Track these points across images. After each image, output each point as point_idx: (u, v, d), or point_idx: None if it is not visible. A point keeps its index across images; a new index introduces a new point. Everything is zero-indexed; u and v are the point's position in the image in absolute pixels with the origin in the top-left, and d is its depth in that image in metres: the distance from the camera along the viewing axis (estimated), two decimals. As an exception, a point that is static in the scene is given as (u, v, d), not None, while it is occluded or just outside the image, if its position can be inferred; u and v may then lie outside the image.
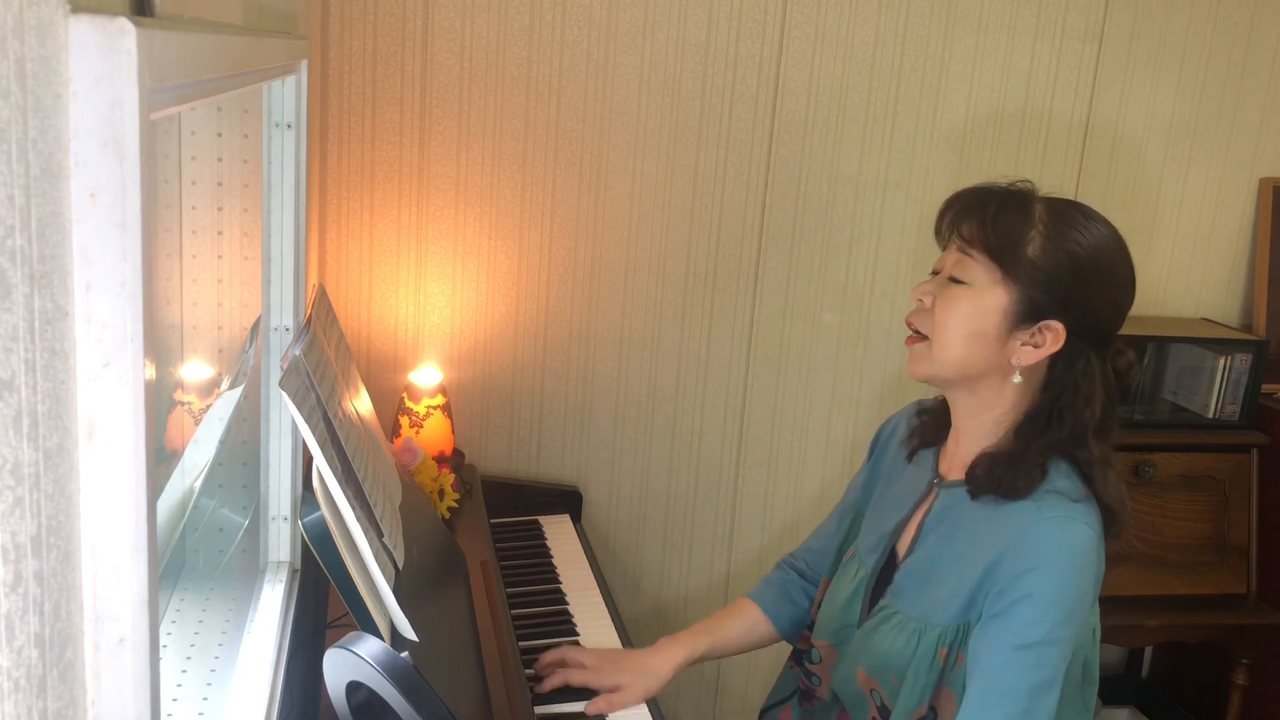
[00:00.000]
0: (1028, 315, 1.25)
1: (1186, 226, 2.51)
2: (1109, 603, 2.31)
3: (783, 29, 2.21)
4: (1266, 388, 2.41)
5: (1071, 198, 1.33)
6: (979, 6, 2.28)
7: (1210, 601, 2.36)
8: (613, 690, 1.50)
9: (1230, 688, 2.40)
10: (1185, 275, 2.54)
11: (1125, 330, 2.52)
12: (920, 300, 1.32)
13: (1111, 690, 2.68)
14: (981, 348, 1.27)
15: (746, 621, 1.60)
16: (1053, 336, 1.25)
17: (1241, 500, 2.37)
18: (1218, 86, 2.45)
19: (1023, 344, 1.26)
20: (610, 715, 1.48)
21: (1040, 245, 1.25)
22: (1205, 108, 2.45)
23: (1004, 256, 1.25)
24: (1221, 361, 2.36)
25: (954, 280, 1.28)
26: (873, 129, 2.29)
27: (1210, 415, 2.39)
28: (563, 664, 1.54)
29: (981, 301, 1.26)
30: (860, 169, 2.30)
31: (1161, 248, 2.51)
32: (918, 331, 1.32)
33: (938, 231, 1.34)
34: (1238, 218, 2.53)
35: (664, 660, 1.53)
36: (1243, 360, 2.36)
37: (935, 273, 1.33)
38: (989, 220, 1.27)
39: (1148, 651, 2.75)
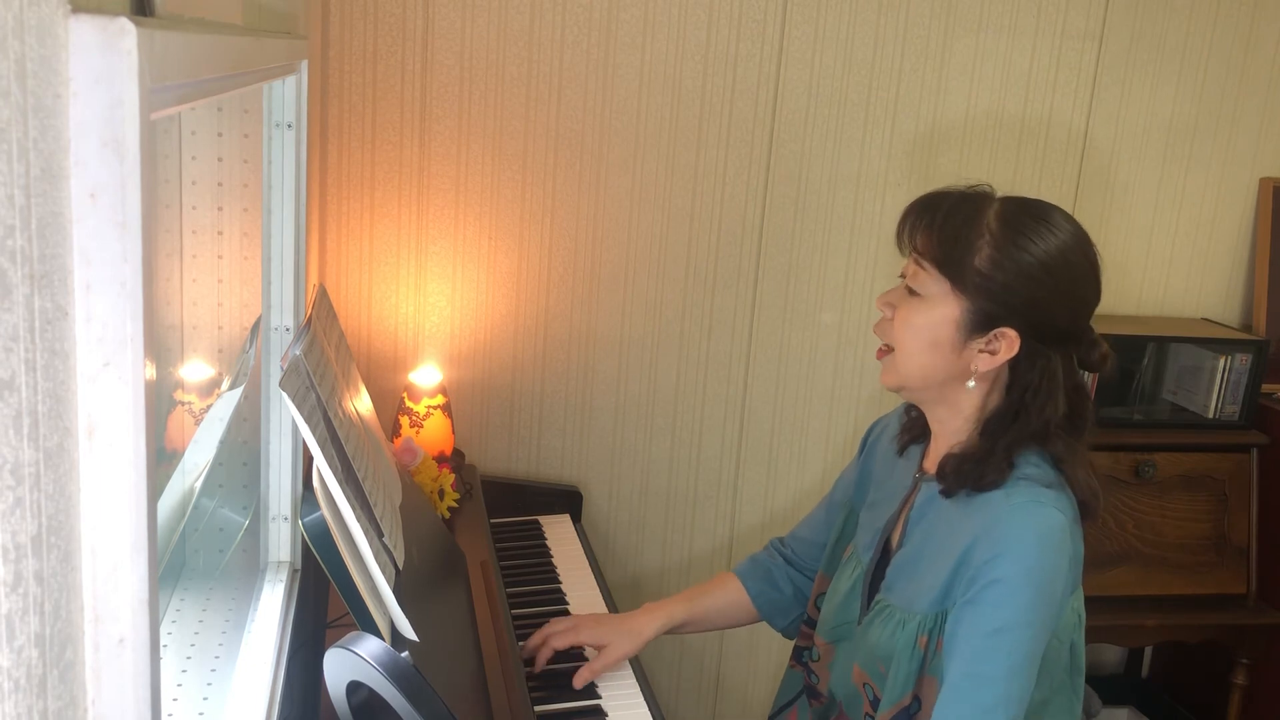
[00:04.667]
0: (980, 324, 1.26)
1: (1186, 226, 2.51)
2: (1109, 602, 2.32)
3: (783, 29, 2.21)
4: (1266, 388, 2.41)
5: (1034, 197, 1.31)
6: (979, 6, 2.28)
7: (1210, 601, 2.36)
8: (597, 647, 1.55)
9: (1230, 688, 2.40)
10: (1185, 275, 2.54)
11: (1126, 330, 2.52)
12: (883, 310, 1.34)
13: (1111, 690, 2.68)
14: (940, 357, 1.28)
15: (727, 595, 1.63)
16: (1007, 343, 1.26)
17: (1241, 500, 2.37)
18: (1218, 86, 2.45)
19: (979, 351, 1.27)
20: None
21: (988, 255, 1.24)
22: (1205, 108, 2.45)
23: (952, 269, 1.26)
24: (1221, 361, 2.36)
25: (911, 291, 1.30)
26: (873, 129, 2.29)
27: (1210, 415, 2.39)
28: (547, 639, 1.58)
29: (935, 313, 1.27)
30: (860, 169, 2.30)
31: (1161, 248, 2.51)
32: (886, 345, 1.34)
33: (899, 240, 1.34)
34: (1238, 218, 2.53)
35: (646, 622, 1.57)
36: (1243, 360, 2.36)
37: (903, 277, 1.34)
38: (936, 231, 1.27)
39: (1148, 651, 2.75)
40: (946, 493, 1.31)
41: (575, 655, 1.60)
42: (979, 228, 1.25)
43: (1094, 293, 1.30)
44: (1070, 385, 1.29)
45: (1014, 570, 1.20)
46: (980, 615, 1.21)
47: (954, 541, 1.27)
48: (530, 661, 1.57)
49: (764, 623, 1.66)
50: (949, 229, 1.26)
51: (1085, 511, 1.28)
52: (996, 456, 1.27)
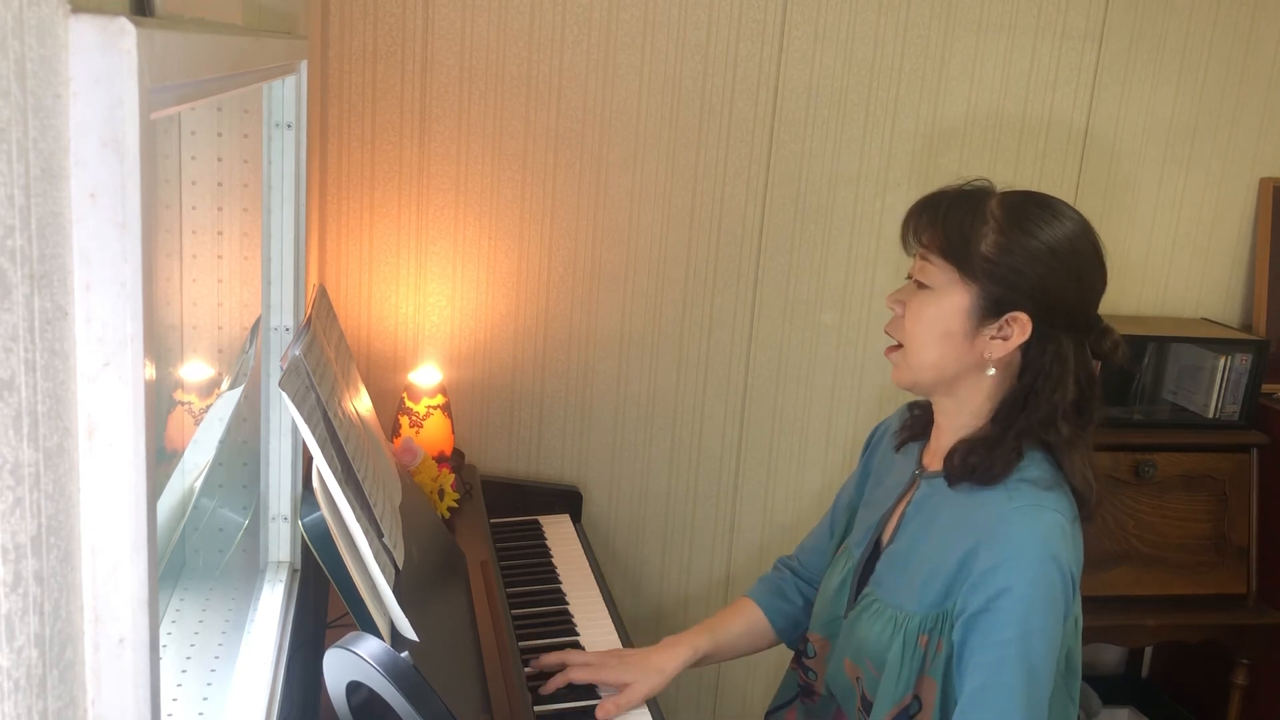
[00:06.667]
0: (991, 310, 1.27)
1: (1186, 226, 2.51)
2: (1109, 603, 2.32)
3: (783, 29, 2.21)
4: (1266, 388, 2.41)
5: (1035, 190, 1.34)
6: (979, 6, 2.28)
7: (1210, 601, 2.36)
8: (619, 687, 1.50)
9: (1230, 688, 2.40)
10: (1185, 275, 2.54)
11: (1126, 330, 2.53)
12: (893, 308, 1.35)
13: (1111, 690, 2.68)
14: (953, 348, 1.29)
15: (746, 619, 1.61)
16: (1019, 327, 1.27)
17: (1241, 500, 2.37)
18: (1218, 87, 2.45)
19: (991, 338, 1.28)
20: (616, 718, 1.48)
21: (994, 240, 1.26)
22: (1205, 108, 2.45)
23: (958, 256, 1.27)
24: (1221, 361, 2.36)
25: (920, 285, 1.31)
26: (873, 129, 2.29)
27: (1210, 415, 2.39)
28: (564, 666, 1.54)
29: (944, 303, 1.29)
30: (860, 169, 2.30)
31: (1161, 248, 2.51)
32: (897, 342, 1.35)
33: (904, 242, 1.36)
34: (1238, 218, 2.53)
35: (668, 658, 1.53)
36: (1243, 360, 2.36)
37: (910, 277, 1.36)
38: (940, 222, 1.29)
39: (1148, 651, 2.75)
40: (951, 480, 1.31)
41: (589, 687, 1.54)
42: (983, 215, 1.28)
43: (1101, 279, 1.32)
44: (1081, 372, 1.30)
45: (1020, 579, 1.20)
46: (991, 626, 1.21)
47: (953, 541, 1.27)
48: (540, 676, 1.53)
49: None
50: (953, 219, 1.28)
51: (1082, 508, 1.28)
52: (1006, 444, 1.28)
